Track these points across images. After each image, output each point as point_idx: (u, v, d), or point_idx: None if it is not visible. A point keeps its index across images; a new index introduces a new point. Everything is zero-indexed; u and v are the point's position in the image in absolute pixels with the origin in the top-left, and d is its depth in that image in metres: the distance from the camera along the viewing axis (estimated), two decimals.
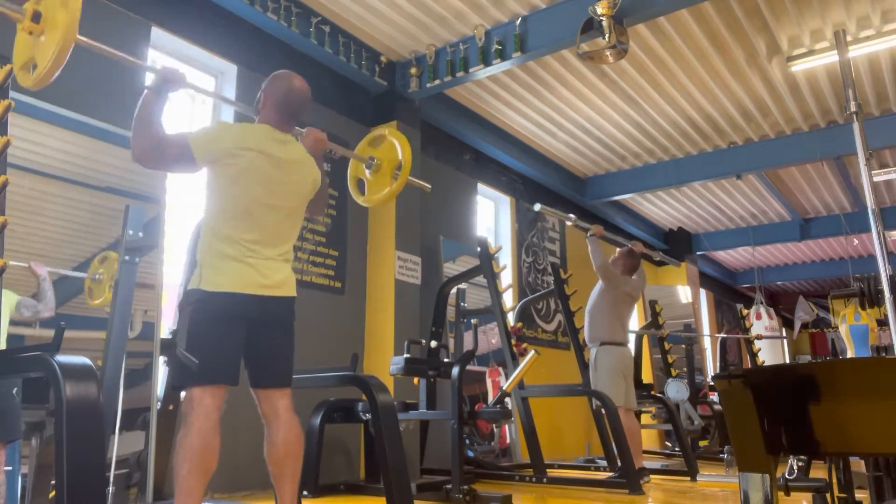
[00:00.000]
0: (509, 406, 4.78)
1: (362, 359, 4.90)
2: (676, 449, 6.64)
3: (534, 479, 4.55)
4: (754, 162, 7.06)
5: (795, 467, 2.47)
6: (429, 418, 4.61)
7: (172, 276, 3.52)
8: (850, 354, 5.67)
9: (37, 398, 2.56)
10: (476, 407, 4.99)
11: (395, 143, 2.86)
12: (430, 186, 3.30)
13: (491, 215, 7.23)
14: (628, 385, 4.68)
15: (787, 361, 11.77)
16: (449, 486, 3.64)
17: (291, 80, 2.44)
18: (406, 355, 4.16)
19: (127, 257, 3.06)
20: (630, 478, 4.05)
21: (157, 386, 3.11)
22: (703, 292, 11.20)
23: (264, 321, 2.27)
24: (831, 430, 1.29)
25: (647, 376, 7.16)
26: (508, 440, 5.82)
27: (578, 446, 7.14)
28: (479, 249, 5.21)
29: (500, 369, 5.64)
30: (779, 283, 13.55)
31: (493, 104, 6.12)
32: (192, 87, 2.37)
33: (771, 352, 9.40)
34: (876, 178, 7.61)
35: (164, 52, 4.16)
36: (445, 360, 4.48)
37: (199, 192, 2.35)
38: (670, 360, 7.21)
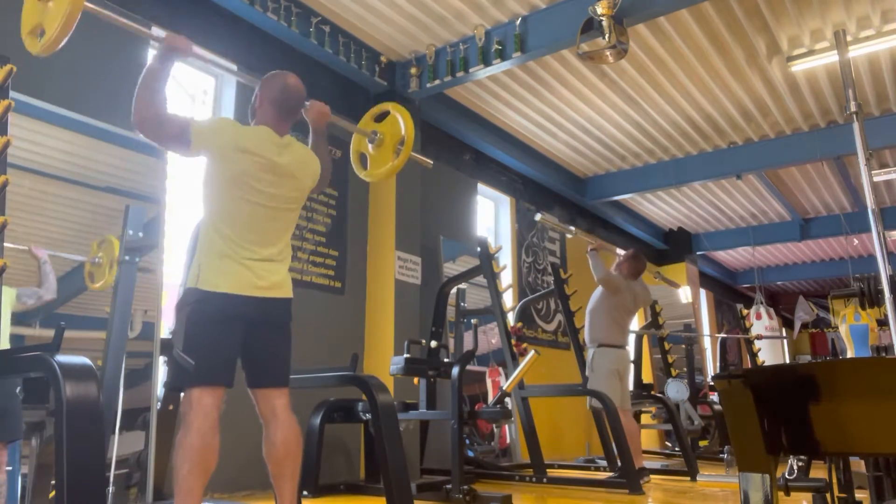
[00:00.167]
0: (509, 406, 4.77)
1: (362, 359, 4.90)
2: (676, 449, 6.63)
3: (534, 479, 4.55)
4: (754, 162, 7.06)
5: (795, 467, 2.47)
6: (429, 418, 4.61)
7: (172, 276, 3.53)
8: (850, 354, 5.67)
9: (37, 398, 2.56)
10: (476, 407, 4.99)
11: (398, 118, 2.86)
12: (431, 162, 3.30)
13: (491, 215, 7.23)
14: (624, 387, 4.69)
15: (787, 361, 11.77)
16: (449, 486, 3.64)
17: (285, 78, 2.45)
18: (406, 355, 4.15)
19: (127, 257, 3.06)
20: (630, 478, 4.05)
21: (157, 386, 3.11)
22: (703, 292, 11.20)
23: (261, 322, 2.27)
24: (831, 430, 1.29)
25: (647, 376, 7.16)
26: (508, 440, 5.81)
27: (578, 446, 7.14)
28: (479, 249, 5.21)
29: (500, 369, 5.63)
30: (779, 283, 13.55)
31: (493, 104, 6.12)
32: (197, 57, 2.38)
33: (771, 352, 9.40)
34: (876, 178, 7.61)
35: None
36: (445, 360, 4.48)
37: (196, 191, 2.35)
38: (670, 360, 7.21)
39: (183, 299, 2.24)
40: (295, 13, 4.44)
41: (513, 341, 5.09)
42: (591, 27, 4.32)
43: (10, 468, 2.52)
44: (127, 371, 2.98)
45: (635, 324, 7.32)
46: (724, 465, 5.60)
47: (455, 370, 3.90)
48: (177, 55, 2.24)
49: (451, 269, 5.72)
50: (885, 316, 2.39)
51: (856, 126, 2.56)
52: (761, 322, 9.41)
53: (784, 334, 12.07)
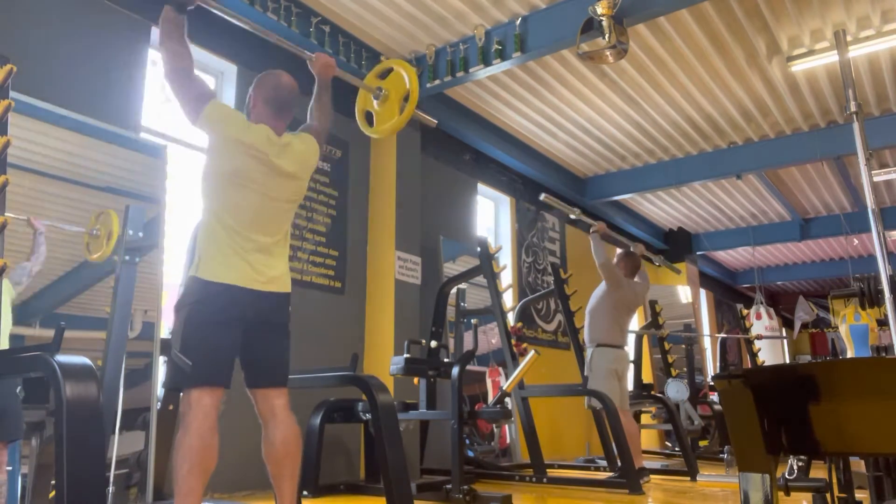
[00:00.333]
0: (509, 406, 4.77)
1: (362, 359, 4.90)
2: (676, 449, 6.64)
3: (534, 479, 4.55)
4: (754, 162, 7.06)
5: (795, 467, 2.47)
6: (429, 418, 4.61)
7: (172, 276, 3.53)
8: (850, 354, 5.67)
9: (37, 398, 2.56)
10: (476, 407, 4.99)
11: (402, 74, 2.86)
12: (435, 121, 3.32)
13: (491, 215, 7.23)
14: (622, 387, 4.69)
15: (787, 361, 11.77)
16: (449, 486, 3.64)
17: (278, 76, 2.46)
18: (406, 355, 4.15)
19: (127, 257, 3.06)
20: (630, 478, 4.05)
21: (157, 386, 3.11)
22: (703, 292, 11.20)
23: (259, 320, 2.27)
24: (831, 430, 1.29)
25: (647, 376, 7.17)
26: (508, 440, 5.81)
27: (578, 446, 7.14)
28: (479, 249, 5.21)
29: (500, 369, 5.64)
30: (779, 283, 13.55)
31: (493, 104, 6.12)
32: (206, 4, 2.39)
33: (771, 352, 9.40)
34: (876, 178, 7.62)
35: None
36: (445, 360, 4.48)
37: (196, 184, 2.36)
38: (670, 360, 7.21)
39: (182, 299, 2.24)
40: (295, 13, 4.44)
41: (513, 341, 5.09)
42: (591, 27, 4.32)
43: (10, 468, 2.52)
44: (127, 371, 2.98)
45: (635, 324, 7.33)
46: (724, 465, 5.60)
47: (455, 370, 3.90)
48: (189, 1, 2.27)
49: (451, 269, 5.72)
50: (885, 316, 2.40)
51: (856, 126, 2.56)
52: (761, 322, 9.42)
53: (784, 334, 12.07)
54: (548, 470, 4.79)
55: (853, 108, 2.55)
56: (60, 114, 3.00)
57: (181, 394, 2.24)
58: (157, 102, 4.16)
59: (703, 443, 7.14)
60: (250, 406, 2.33)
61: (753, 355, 8.26)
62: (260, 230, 2.30)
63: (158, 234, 3.25)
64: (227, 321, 2.19)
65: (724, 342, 9.16)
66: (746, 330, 8.35)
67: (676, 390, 6.37)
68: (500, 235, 7.15)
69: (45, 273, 2.84)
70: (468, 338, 5.16)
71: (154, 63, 4.08)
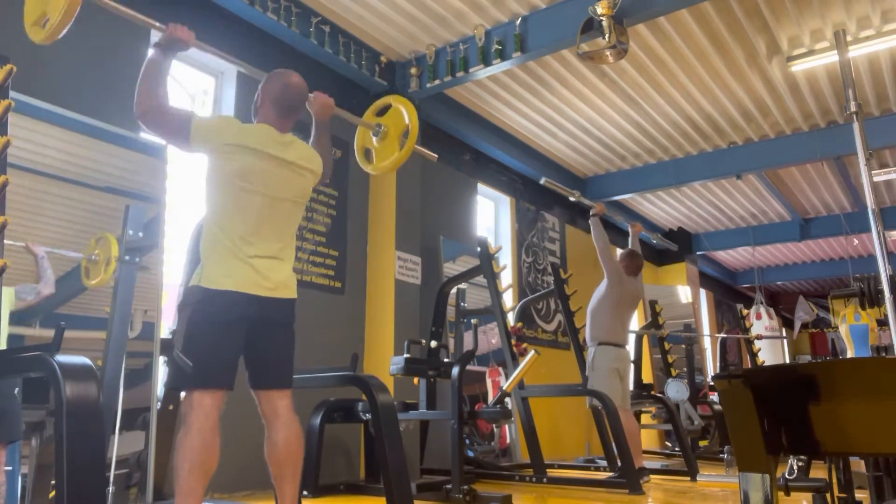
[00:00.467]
0: (509, 406, 4.77)
1: (362, 359, 4.90)
2: (676, 449, 6.64)
3: (534, 479, 4.55)
4: (754, 162, 7.06)
5: (795, 467, 2.47)
6: (429, 418, 4.61)
7: (172, 276, 3.53)
8: (850, 354, 5.66)
9: (37, 398, 2.56)
10: (476, 407, 4.99)
11: (401, 110, 2.86)
12: (436, 156, 3.31)
13: (491, 215, 7.23)
14: (624, 386, 4.68)
15: (787, 361, 11.77)
16: (449, 486, 3.64)
17: (288, 76, 2.44)
18: (406, 355, 4.15)
19: (127, 257, 3.07)
20: (630, 478, 4.05)
21: (157, 386, 3.11)
22: (703, 292, 11.20)
23: (264, 323, 2.26)
24: (831, 430, 1.29)
25: (647, 376, 7.16)
26: (508, 440, 5.81)
27: (578, 446, 7.14)
28: (479, 249, 5.21)
29: (500, 369, 5.64)
30: (779, 283, 13.56)
31: (493, 104, 6.12)
32: (198, 47, 2.38)
33: (771, 352, 9.40)
34: (876, 178, 7.61)
35: None
36: (445, 360, 4.48)
37: (199, 189, 2.35)
38: (670, 360, 7.21)
39: (185, 299, 2.23)
40: (295, 13, 4.44)
41: (513, 341, 5.09)
42: (591, 27, 4.33)
43: (9, 468, 2.51)
44: (127, 371, 2.98)
45: (635, 324, 7.33)
46: (724, 465, 5.60)
47: (455, 370, 3.90)
48: (178, 46, 2.25)
49: (451, 269, 5.72)
50: (885, 316, 2.40)
51: (856, 126, 2.56)
52: (761, 322, 9.42)
53: (784, 334, 12.07)
54: (548, 470, 4.79)
55: (853, 108, 2.55)
56: (60, 114, 3.00)
57: (183, 394, 2.23)
58: None
59: (703, 443, 7.14)
60: (251, 406, 2.33)
61: (753, 355, 8.26)
62: (266, 234, 2.28)
63: (158, 234, 3.25)
64: (231, 322, 2.17)
65: (724, 342, 9.16)
66: (746, 330, 8.35)
67: (676, 390, 6.37)
68: (500, 235, 7.15)
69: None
70: (468, 338, 5.16)
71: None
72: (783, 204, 8.82)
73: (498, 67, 4.91)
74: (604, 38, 4.25)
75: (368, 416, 3.79)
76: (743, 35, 5.10)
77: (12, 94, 2.50)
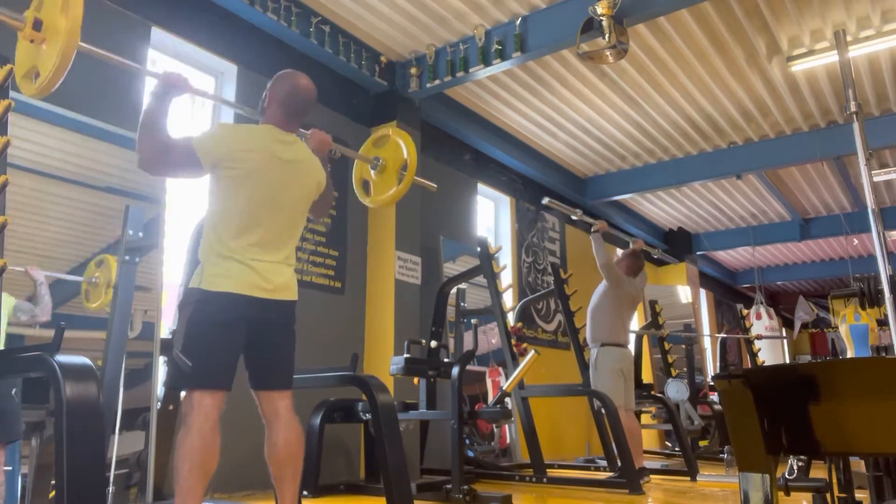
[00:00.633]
0: (509, 406, 4.78)
1: (362, 359, 4.90)
2: (676, 449, 6.64)
3: (534, 479, 4.55)
4: (754, 162, 7.06)
5: (795, 467, 2.47)
6: (429, 418, 4.61)
7: (172, 276, 3.53)
8: (850, 354, 5.67)
9: (37, 398, 2.56)
10: (476, 407, 4.99)
11: (399, 143, 2.86)
12: (436, 186, 3.31)
13: (491, 215, 7.23)
14: (628, 385, 4.68)
15: (787, 361, 11.77)
16: (449, 486, 3.64)
17: (297, 78, 2.42)
18: (406, 355, 4.15)
19: (127, 257, 3.07)
20: (630, 478, 4.05)
21: (157, 386, 3.11)
22: (703, 292, 11.20)
23: (264, 324, 2.25)
24: (831, 430, 1.29)
25: (647, 376, 7.16)
26: (508, 440, 5.81)
27: (578, 446, 7.14)
28: (479, 249, 5.21)
29: (500, 369, 5.63)
30: (779, 283, 13.56)
31: (493, 104, 6.12)
32: (195, 92, 2.36)
33: (771, 352, 9.41)
34: (876, 178, 7.61)
35: (164, 52, 4.17)
36: (445, 360, 4.48)
37: (202, 192, 2.34)
38: (670, 360, 7.21)
39: (185, 299, 2.23)
40: (295, 13, 4.44)
41: (513, 341, 5.09)
42: (591, 27, 4.32)
43: (9, 468, 2.52)
44: (127, 371, 2.98)
45: (635, 324, 7.33)
46: (724, 465, 5.60)
47: (455, 370, 3.90)
48: (175, 92, 2.21)
49: (451, 269, 5.72)
50: (885, 316, 2.40)
51: (856, 126, 2.56)
52: (761, 322, 9.42)
53: (784, 334, 12.07)
54: (548, 470, 4.79)
55: (853, 108, 2.55)
56: (60, 114, 3.00)
57: (183, 394, 2.23)
58: None
59: (703, 443, 7.14)
60: (251, 406, 2.33)
61: (753, 355, 8.26)
62: (267, 236, 2.27)
63: (158, 234, 3.25)
64: (230, 322, 2.17)
65: (724, 342, 9.15)
66: (746, 330, 8.35)
67: (676, 390, 6.37)
68: (500, 235, 7.15)
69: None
70: (468, 338, 5.16)
71: (154, 63, 4.08)
72: (783, 204, 8.82)
73: (498, 67, 4.91)
74: (604, 38, 4.25)
75: (368, 416, 3.79)
76: (743, 35, 5.10)
77: (12, 94, 2.50)
